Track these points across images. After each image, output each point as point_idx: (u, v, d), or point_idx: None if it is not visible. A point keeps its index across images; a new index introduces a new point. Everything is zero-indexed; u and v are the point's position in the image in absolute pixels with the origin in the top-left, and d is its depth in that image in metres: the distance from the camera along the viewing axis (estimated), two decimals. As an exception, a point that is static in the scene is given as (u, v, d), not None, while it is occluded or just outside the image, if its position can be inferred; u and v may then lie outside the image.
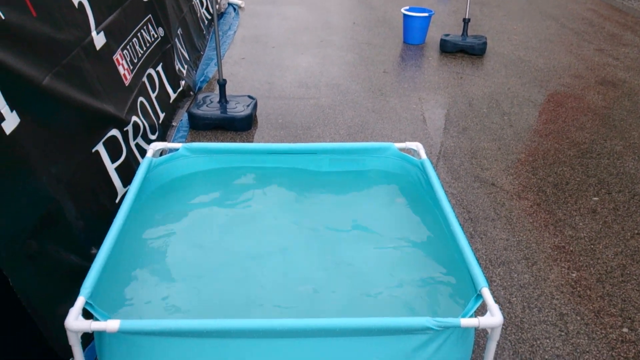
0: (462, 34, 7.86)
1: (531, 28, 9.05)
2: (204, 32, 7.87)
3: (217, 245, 3.42)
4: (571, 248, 3.93)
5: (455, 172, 4.80)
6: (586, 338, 3.21)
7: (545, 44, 8.27)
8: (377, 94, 6.38)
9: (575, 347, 3.15)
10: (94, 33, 3.85)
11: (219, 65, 5.49)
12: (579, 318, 3.35)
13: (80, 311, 2.44)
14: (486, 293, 2.62)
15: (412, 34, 8.09)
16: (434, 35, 8.29)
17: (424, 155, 3.85)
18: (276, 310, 3.02)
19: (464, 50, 7.74)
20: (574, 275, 3.68)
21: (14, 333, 2.63)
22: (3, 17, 2.80)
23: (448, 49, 7.78)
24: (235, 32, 8.43)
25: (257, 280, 3.18)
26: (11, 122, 2.70)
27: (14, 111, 2.73)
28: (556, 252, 3.88)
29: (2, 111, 2.63)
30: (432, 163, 3.82)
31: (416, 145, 3.97)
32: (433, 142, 5.33)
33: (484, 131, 5.57)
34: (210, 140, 5.25)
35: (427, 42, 8.18)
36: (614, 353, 3.13)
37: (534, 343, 3.16)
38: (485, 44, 7.73)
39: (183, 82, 5.95)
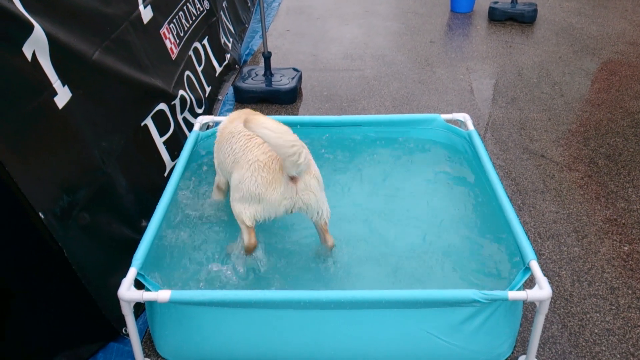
0: (512, 1, 7.65)
1: (584, -6, 8.76)
2: (249, 5, 7.86)
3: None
4: (623, 221, 3.84)
5: (503, 144, 4.72)
6: (637, 312, 3.15)
7: (598, 10, 7.99)
8: (424, 65, 6.29)
9: (627, 321, 3.10)
10: (141, 7, 3.89)
11: (264, 37, 5.49)
12: (630, 292, 3.28)
13: (132, 282, 2.51)
14: (534, 266, 2.59)
15: (460, 1, 7.92)
16: (482, 2, 8.09)
17: (471, 127, 3.80)
18: (321, 279, 3.05)
19: (514, 17, 7.55)
20: (625, 248, 3.60)
21: (68, 304, 2.72)
22: (53, -7, 2.86)
23: (497, 16, 7.59)
24: (279, 3, 8.39)
25: (305, 252, 3.22)
26: (63, 96, 2.76)
27: (66, 86, 2.79)
28: (607, 225, 3.79)
29: (54, 86, 2.70)
30: (479, 134, 3.76)
31: (463, 117, 3.92)
32: (481, 113, 5.24)
33: (533, 101, 5.45)
34: (256, 113, 5.27)
35: (475, 10, 8.00)
36: (666, 328, 3.07)
37: (584, 317, 3.12)
38: (535, 11, 7.51)
39: (228, 56, 5.98)
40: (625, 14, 7.84)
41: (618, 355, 2.90)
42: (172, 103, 4.07)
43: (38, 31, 2.58)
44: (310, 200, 2.93)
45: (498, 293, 2.47)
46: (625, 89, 5.67)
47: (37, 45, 2.59)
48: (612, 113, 5.21)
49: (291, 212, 2.99)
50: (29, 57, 2.54)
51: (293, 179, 2.86)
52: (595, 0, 8.42)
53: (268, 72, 5.54)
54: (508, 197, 3.11)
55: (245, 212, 2.95)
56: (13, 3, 2.46)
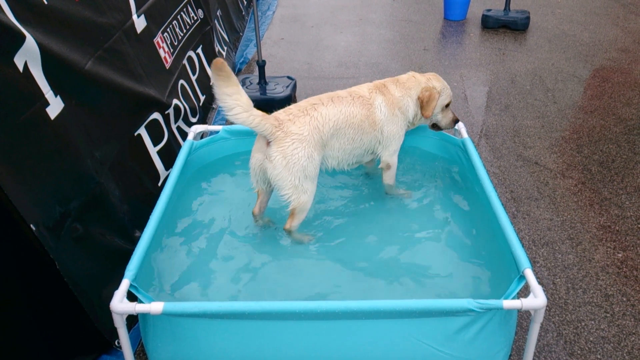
0: (505, 9, 7.69)
1: (576, 0, 8.80)
2: (243, 13, 7.87)
3: (259, 226, 3.44)
4: (617, 227, 3.84)
5: (497, 151, 4.73)
6: (632, 320, 3.15)
7: (590, 17, 8.03)
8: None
9: (621, 329, 3.09)
10: (134, 16, 3.88)
11: (258, 46, 5.49)
12: (624, 299, 3.28)
13: (125, 294, 2.48)
14: (529, 274, 2.58)
15: (453, 9, 7.95)
16: (476, 10, 8.13)
17: (465, 134, 3.80)
18: (315, 289, 3.04)
19: (507, 25, 7.58)
20: (620, 255, 3.60)
21: (60, 316, 2.69)
22: (46, 2, 2.84)
23: (490, 24, 7.62)
24: (274, 12, 8.41)
25: (297, 262, 3.20)
26: (55, 107, 2.75)
27: (58, 96, 2.78)
28: (602, 232, 3.80)
29: (46, 96, 2.68)
30: (473, 142, 3.76)
31: (457, 124, 3.91)
32: (475, 120, 5.25)
33: (527, 108, 5.47)
34: (250, 121, 5.26)
35: (469, 18, 8.03)
36: (661, 335, 3.07)
37: (579, 325, 3.11)
38: (528, 18, 7.55)
39: (223, 64, 5.96)
40: (617, 20, 7.88)
41: (613, 363, 2.90)
42: (166, 112, 4.06)
43: (30, 41, 2.57)
44: (267, 169, 3.13)
45: (493, 302, 2.45)
46: (617, 95, 5.69)
47: (28, 55, 2.57)
48: (605, 120, 5.23)
49: (262, 175, 3.21)
50: (20, 67, 2.53)
51: (267, 141, 3.13)
52: (587, 7, 8.46)
53: (262, 81, 5.54)
54: (502, 204, 3.11)
55: None
56: (4, 13, 2.45)
